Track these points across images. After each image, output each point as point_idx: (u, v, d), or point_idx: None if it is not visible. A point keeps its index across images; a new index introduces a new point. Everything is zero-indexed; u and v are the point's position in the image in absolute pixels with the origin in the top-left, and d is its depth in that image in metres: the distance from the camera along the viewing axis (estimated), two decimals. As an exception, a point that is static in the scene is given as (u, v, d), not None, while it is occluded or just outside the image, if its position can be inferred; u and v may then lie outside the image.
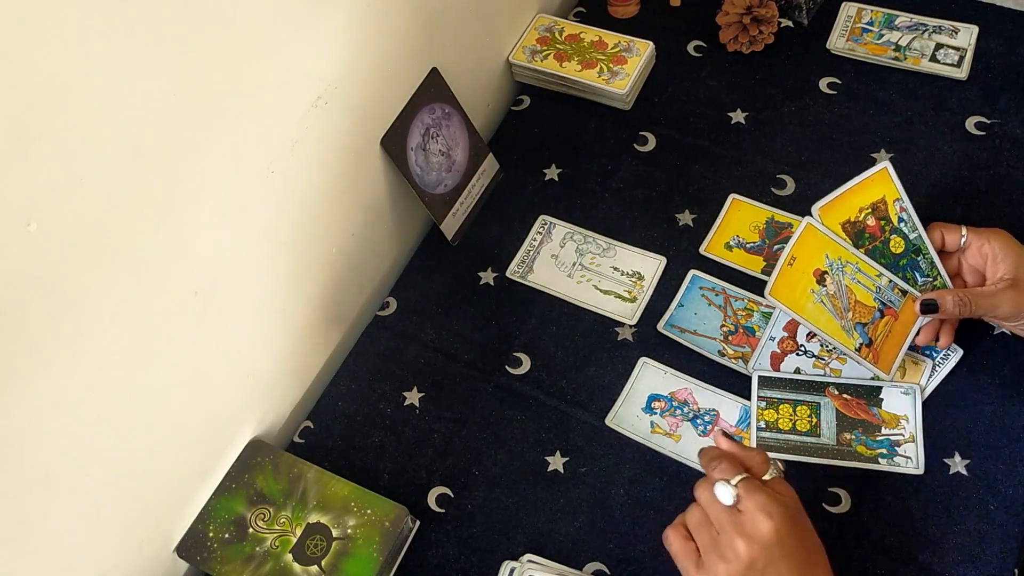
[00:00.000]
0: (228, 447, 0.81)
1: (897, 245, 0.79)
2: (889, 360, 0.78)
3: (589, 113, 1.04)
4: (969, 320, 0.79)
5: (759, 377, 0.82)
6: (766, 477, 0.66)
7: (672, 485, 0.79)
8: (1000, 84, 0.98)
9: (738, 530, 0.63)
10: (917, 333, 0.79)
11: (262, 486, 0.80)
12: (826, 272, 0.79)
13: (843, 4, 1.07)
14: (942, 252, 0.80)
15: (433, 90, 0.91)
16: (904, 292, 0.79)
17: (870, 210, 0.79)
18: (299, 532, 0.77)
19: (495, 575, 0.77)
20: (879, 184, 0.79)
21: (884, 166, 0.79)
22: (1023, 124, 0.95)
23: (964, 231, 0.78)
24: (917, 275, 0.79)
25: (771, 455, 0.70)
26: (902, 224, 0.79)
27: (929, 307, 0.77)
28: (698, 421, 0.82)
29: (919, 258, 0.79)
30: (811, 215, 0.79)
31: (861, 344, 0.78)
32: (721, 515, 0.65)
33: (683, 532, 0.67)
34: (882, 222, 0.79)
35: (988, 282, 0.77)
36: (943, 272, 0.79)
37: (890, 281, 0.79)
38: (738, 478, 0.64)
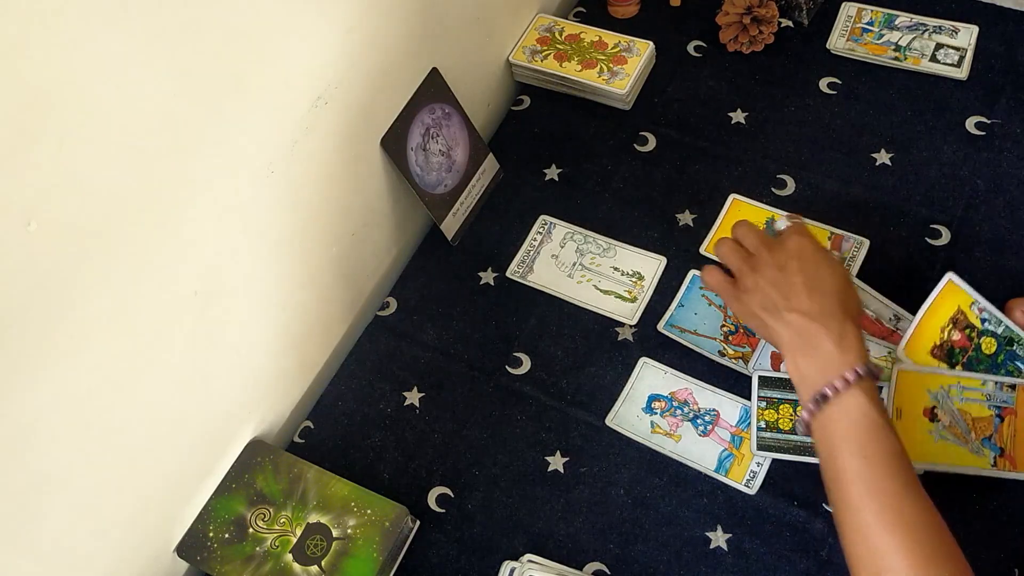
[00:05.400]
0: (228, 447, 0.81)
1: (989, 345, 0.77)
2: None
3: (589, 113, 1.04)
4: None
5: (759, 377, 0.82)
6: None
7: (672, 485, 0.79)
8: (1000, 84, 0.98)
9: (767, 245, 0.75)
10: None
11: (262, 486, 0.80)
12: (935, 406, 0.76)
13: (843, 4, 1.07)
14: None
15: (433, 90, 0.91)
16: (1013, 387, 0.77)
17: (951, 325, 0.78)
18: (299, 532, 0.77)
19: (495, 575, 0.77)
20: (950, 297, 0.78)
21: (948, 279, 0.78)
22: (1023, 124, 0.95)
23: None
24: (1019, 364, 0.77)
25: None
26: (987, 324, 0.77)
27: None
28: (698, 421, 0.82)
29: (1015, 347, 0.77)
30: (899, 359, 0.78)
31: (995, 457, 0.75)
32: (757, 238, 0.77)
33: (719, 269, 0.78)
34: (967, 331, 0.77)
35: None
36: None
37: (996, 383, 0.76)
38: (797, 219, 0.78)
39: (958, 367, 0.78)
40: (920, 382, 0.77)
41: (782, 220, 0.79)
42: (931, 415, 0.76)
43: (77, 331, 0.60)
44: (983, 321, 0.77)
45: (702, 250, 0.92)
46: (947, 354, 0.78)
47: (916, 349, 0.79)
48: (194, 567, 0.78)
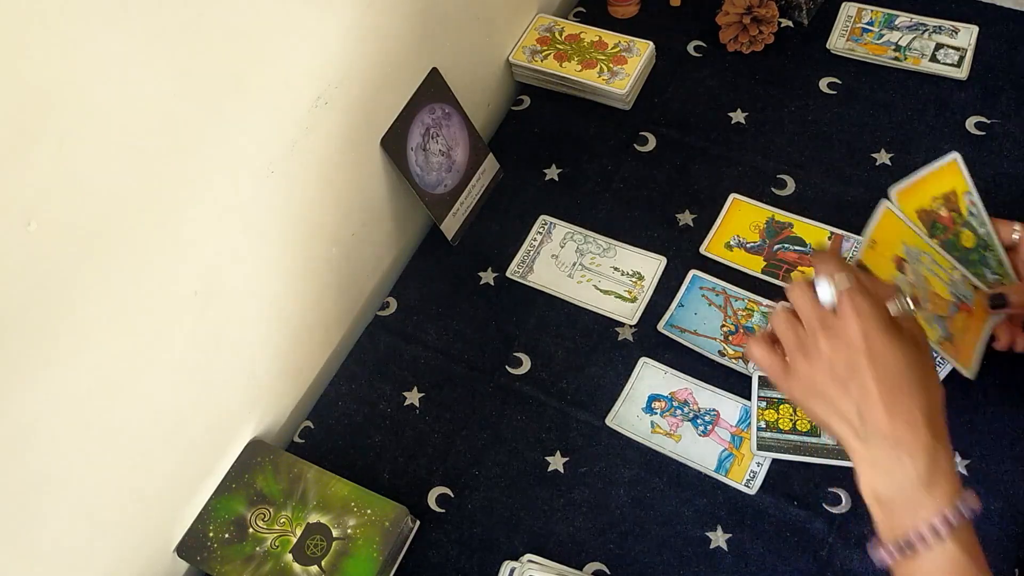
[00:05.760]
0: (228, 447, 0.81)
1: (968, 239, 0.76)
2: (969, 356, 0.74)
3: (589, 113, 1.04)
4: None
5: (759, 377, 0.82)
6: (890, 309, 0.59)
7: (672, 485, 0.79)
8: (1000, 84, 0.98)
9: (824, 327, 0.60)
10: (991, 331, 0.76)
11: (262, 486, 0.80)
12: (904, 260, 0.75)
13: (843, 4, 1.07)
14: None
15: (433, 90, 0.91)
16: (975, 287, 0.77)
17: (942, 200, 0.77)
18: (299, 532, 0.77)
19: (495, 575, 0.77)
20: (949, 176, 0.77)
21: (953, 158, 0.76)
22: (1023, 124, 0.95)
23: (1017, 228, 0.76)
24: (987, 271, 0.77)
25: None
26: (971, 218, 0.77)
27: (998, 302, 0.75)
28: (698, 421, 0.82)
29: (987, 254, 0.76)
30: (888, 199, 0.76)
31: (942, 338, 0.74)
32: (811, 314, 0.61)
33: (767, 341, 0.64)
34: (954, 214, 0.77)
35: None
36: (1010, 269, 0.77)
37: (962, 275, 0.76)
38: (845, 279, 0.59)
39: (935, 241, 0.77)
40: (900, 231, 0.76)
41: (825, 283, 0.60)
42: (899, 266, 0.74)
43: (77, 331, 0.60)
44: (970, 214, 0.77)
45: (702, 250, 0.92)
46: (930, 224, 0.77)
47: (907, 200, 0.77)
48: (194, 567, 0.78)
